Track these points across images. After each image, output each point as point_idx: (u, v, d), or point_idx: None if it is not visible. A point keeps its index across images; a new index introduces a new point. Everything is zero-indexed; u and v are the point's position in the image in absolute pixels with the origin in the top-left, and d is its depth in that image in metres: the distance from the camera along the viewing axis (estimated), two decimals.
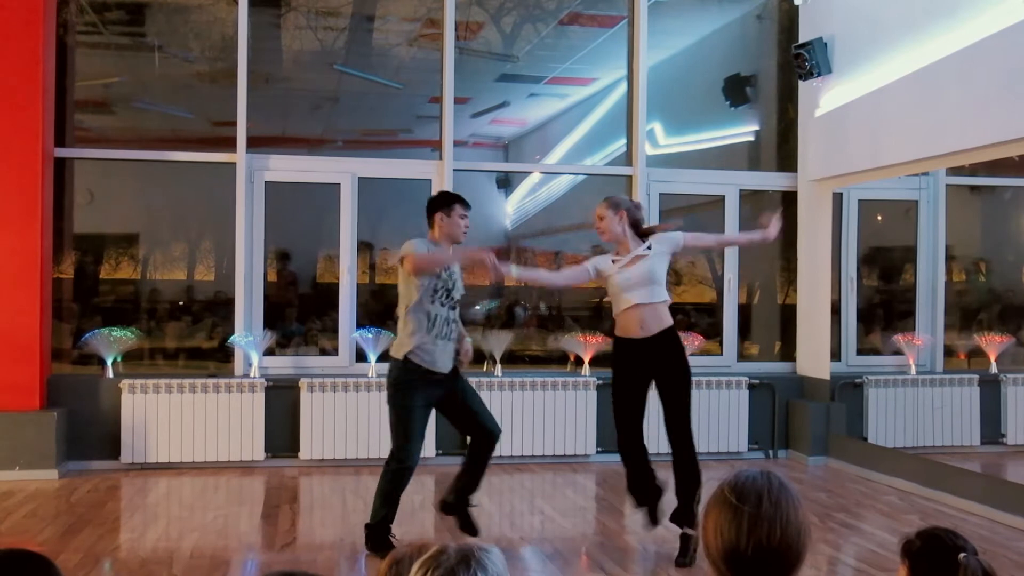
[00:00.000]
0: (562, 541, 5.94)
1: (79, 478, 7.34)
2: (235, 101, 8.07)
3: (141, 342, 8.16)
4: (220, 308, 8.42)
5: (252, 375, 7.90)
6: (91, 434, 7.64)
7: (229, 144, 8.11)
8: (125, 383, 7.62)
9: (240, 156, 8.07)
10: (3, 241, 7.38)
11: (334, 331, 8.32)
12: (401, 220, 9.07)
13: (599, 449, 8.24)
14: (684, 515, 5.41)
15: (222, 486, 7.29)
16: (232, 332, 8.04)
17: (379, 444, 7.81)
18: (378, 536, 5.49)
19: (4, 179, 7.39)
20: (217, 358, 8.34)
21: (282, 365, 8.17)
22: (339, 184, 8.29)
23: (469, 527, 5.68)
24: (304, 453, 7.85)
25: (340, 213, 8.26)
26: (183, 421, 7.68)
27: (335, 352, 8.31)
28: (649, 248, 5.49)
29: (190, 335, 8.67)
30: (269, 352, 8.11)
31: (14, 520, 6.16)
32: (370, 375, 8.02)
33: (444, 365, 5.48)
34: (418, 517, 6.48)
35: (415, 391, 5.39)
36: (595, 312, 9.48)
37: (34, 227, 7.43)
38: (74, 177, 8.17)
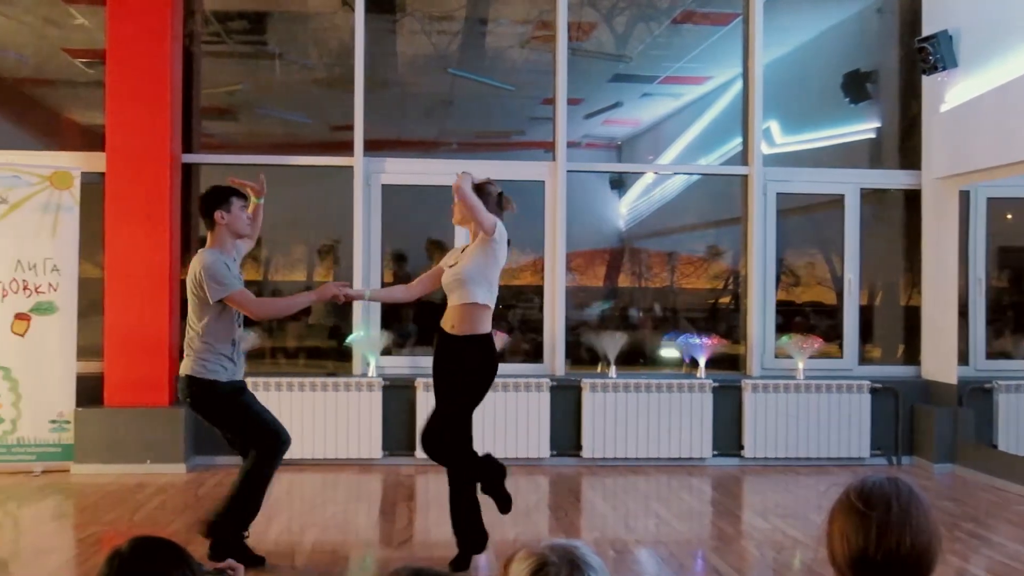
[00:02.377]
0: (677, 545, 5.88)
1: (206, 472, 7.58)
2: (352, 106, 8.23)
3: (263, 342, 8.37)
4: (339, 309, 8.58)
5: (370, 374, 8.04)
6: (215, 430, 7.84)
7: (347, 148, 8.27)
8: (248, 381, 7.81)
9: (357, 160, 8.22)
10: (135, 244, 7.66)
11: None
12: (514, 221, 9.11)
13: (715, 452, 8.14)
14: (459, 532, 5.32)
15: (341, 482, 7.43)
16: (350, 332, 8.19)
17: (493, 443, 7.86)
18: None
19: (135, 184, 7.67)
20: (336, 357, 8.51)
21: (399, 365, 8.29)
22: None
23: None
24: (420, 451, 7.93)
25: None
26: (304, 419, 7.86)
27: None
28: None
29: (310, 335, 8.86)
30: (386, 352, 8.24)
31: (146, 512, 6.40)
32: None
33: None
34: (533, 518, 6.50)
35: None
36: (711, 312, 9.38)
37: (163, 230, 7.70)
38: (200, 181, 8.44)
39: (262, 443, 5.28)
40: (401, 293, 5.69)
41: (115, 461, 7.49)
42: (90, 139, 8.22)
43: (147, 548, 1.89)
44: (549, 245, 8.41)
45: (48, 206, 7.54)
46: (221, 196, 5.29)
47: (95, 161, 7.85)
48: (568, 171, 8.41)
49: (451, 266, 5.29)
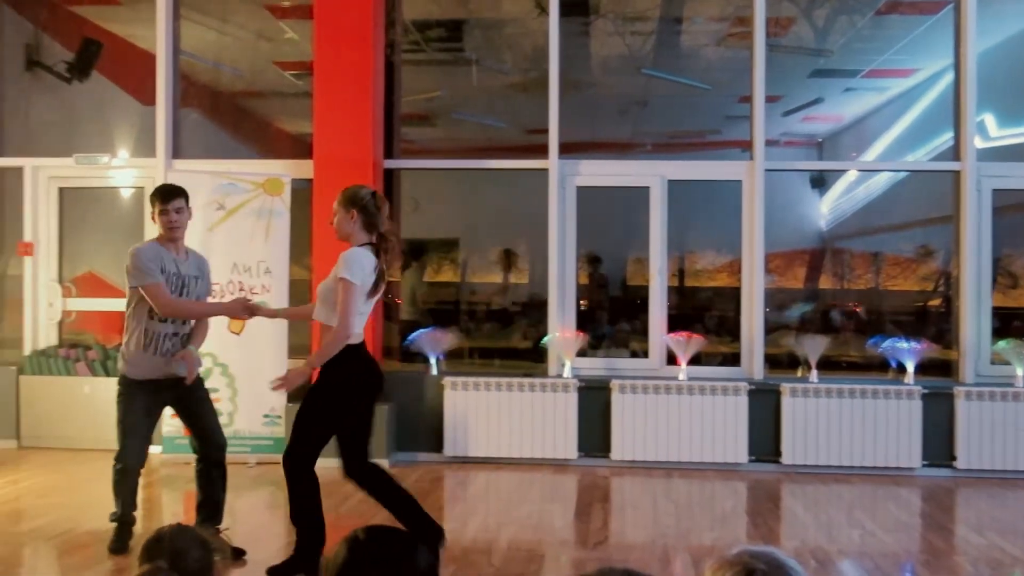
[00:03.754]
0: (883, 557, 5.65)
1: (407, 468, 7.80)
2: (547, 109, 8.30)
3: (461, 342, 8.55)
4: (534, 310, 8.67)
5: (565, 375, 8.09)
6: (417, 427, 8.10)
7: (541, 151, 8.35)
8: (447, 380, 8.02)
9: (552, 162, 8.28)
10: (340, 245, 7.93)
11: (644, 333, 8.36)
12: (710, 222, 9.00)
13: (925, 462, 7.77)
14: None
15: (537, 482, 7.50)
16: (545, 333, 8.27)
17: (690, 447, 7.76)
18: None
19: (339, 187, 7.91)
20: (531, 358, 8.60)
21: (594, 366, 8.30)
22: (648, 187, 8.32)
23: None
24: (615, 454, 7.94)
25: (649, 216, 8.29)
26: (500, 418, 7.98)
27: (645, 354, 8.34)
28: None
29: (506, 336, 8.99)
30: (581, 353, 8.27)
31: (351, 504, 6.64)
32: (680, 378, 7.98)
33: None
34: (730, 523, 6.38)
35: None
36: (919, 315, 8.97)
37: None
38: (400, 186, 8.70)
39: (118, 447, 5.41)
40: (310, 311, 5.59)
41: (323, 454, 7.78)
42: (299, 147, 8.60)
43: (382, 535, 1.97)
44: (747, 246, 8.24)
45: (261, 211, 7.94)
46: (152, 198, 5.42)
47: (303, 168, 8.21)
48: (766, 170, 8.22)
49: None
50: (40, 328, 8.59)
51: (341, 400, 5.19)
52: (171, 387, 5.44)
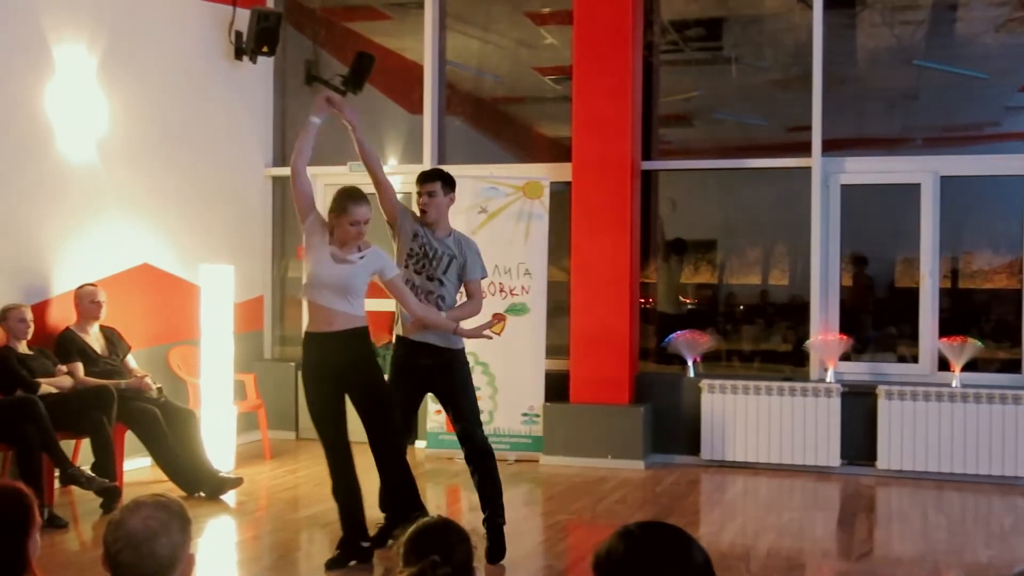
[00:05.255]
0: None
1: (663, 470, 7.79)
2: (809, 105, 8.06)
3: (719, 344, 8.45)
4: (794, 312, 8.45)
5: (827, 380, 7.83)
6: (673, 429, 8.07)
7: (804, 149, 8.12)
8: (704, 383, 7.95)
9: (815, 160, 8.04)
10: (599, 248, 8.05)
11: (913, 338, 7.97)
12: (986, 219, 8.46)
13: None
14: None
15: (797, 489, 7.31)
16: (807, 336, 8.04)
17: (964, 458, 7.34)
18: None
19: (599, 191, 8.06)
20: (792, 362, 8.38)
21: (858, 371, 7.99)
22: (919, 184, 7.92)
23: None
24: (882, 462, 7.60)
25: (920, 214, 7.89)
26: (759, 422, 7.82)
27: (915, 360, 7.95)
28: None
29: (765, 338, 8.80)
30: (845, 357, 7.98)
31: (606, 505, 6.71)
32: (954, 385, 7.55)
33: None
34: (1009, 540, 5.98)
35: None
36: None
37: (625, 235, 8.02)
38: (658, 188, 8.70)
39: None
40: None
41: (579, 454, 7.92)
42: (557, 151, 8.76)
43: (657, 530, 1.99)
44: None
45: (521, 214, 8.15)
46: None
47: (562, 171, 8.36)
48: None
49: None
50: None
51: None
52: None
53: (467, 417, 5.46)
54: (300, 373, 5.51)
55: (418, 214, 5.50)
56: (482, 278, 5.64)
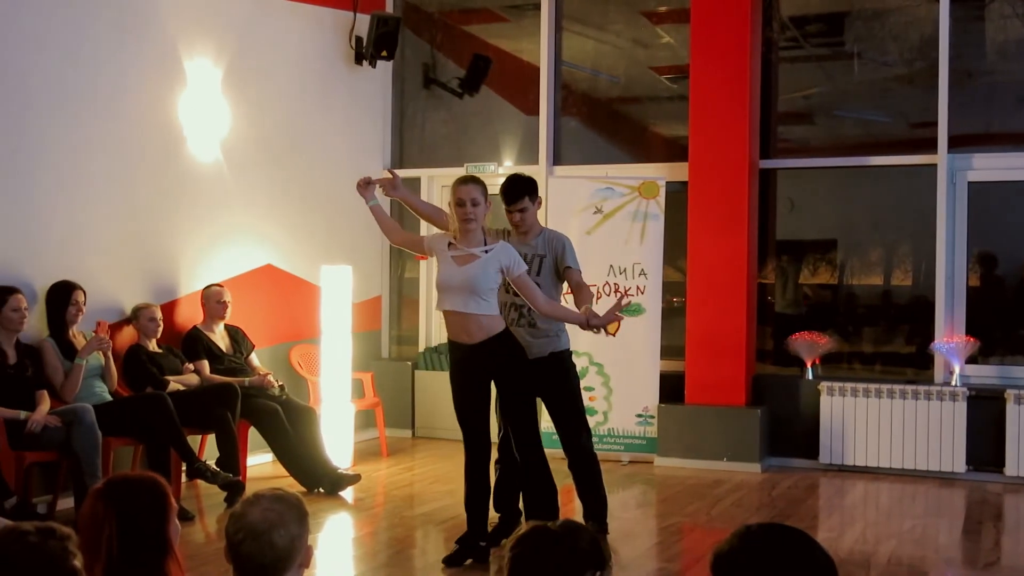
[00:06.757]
0: None
1: (779, 473, 7.67)
2: (935, 101, 7.84)
3: (839, 346, 8.27)
4: (918, 313, 8.22)
5: (953, 383, 7.59)
6: (790, 432, 7.93)
7: (929, 145, 7.90)
8: (823, 385, 7.79)
9: (941, 157, 7.81)
10: (714, 247, 7.97)
11: None
12: None
13: None
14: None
15: (920, 495, 7.11)
16: (931, 338, 7.81)
17: None
18: None
19: (715, 189, 7.98)
20: (915, 364, 8.15)
21: (986, 375, 7.73)
22: None
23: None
24: (1010, 469, 7.33)
25: None
26: (880, 426, 7.63)
27: None
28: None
29: (887, 340, 8.58)
30: (971, 360, 7.72)
31: (722, 507, 6.65)
32: None
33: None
34: None
35: None
36: None
37: (741, 235, 7.92)
38: (777, 186, 8.56)
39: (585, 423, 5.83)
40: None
41: (694, 456, 7.86)
42: (673, 150, 8.70)
43: (778, 531, 1.97)
44: None
45: (636, 214, 8.12)
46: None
47: (678, 171, 8.30)
48: None
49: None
50: (433, 326, 9.31)
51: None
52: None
53: (569, 422, 5.49)
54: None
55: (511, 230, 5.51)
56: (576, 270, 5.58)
